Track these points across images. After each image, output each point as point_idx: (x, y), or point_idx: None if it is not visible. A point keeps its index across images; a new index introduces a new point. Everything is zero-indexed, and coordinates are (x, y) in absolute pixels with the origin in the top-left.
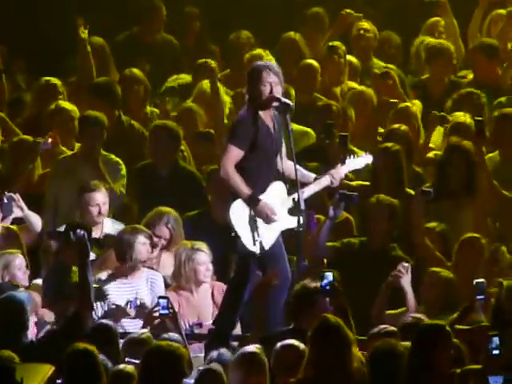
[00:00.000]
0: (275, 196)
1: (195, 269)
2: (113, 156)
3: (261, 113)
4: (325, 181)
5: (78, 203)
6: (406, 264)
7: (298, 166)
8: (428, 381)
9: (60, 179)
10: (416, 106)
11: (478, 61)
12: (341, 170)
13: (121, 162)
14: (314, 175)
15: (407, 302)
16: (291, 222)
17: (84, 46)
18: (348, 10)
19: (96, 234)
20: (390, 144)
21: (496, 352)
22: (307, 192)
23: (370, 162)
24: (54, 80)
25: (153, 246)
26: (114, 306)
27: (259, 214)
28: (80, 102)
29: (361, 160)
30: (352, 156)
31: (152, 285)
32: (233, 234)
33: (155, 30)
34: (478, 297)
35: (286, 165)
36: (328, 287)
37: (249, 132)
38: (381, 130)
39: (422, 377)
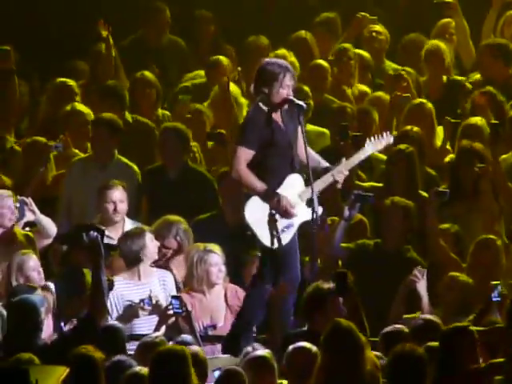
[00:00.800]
0: (292, 188)
1: (207, 270)
2: (127, 160)
3: (273, 111)
4: (330, 177)
5: (97, 203)
6: (422, 269)
7: (316, 156)
8: (457, 380)
9: (74, 181)
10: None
11: (486, 61)
12: (357, 157)
13: (135, 167)
14: (326, 164)
15: (422, 306)
16: (309, 214)
17: (108, 48)
18: (363, 13)
19: (117, 234)
20: (403, 146)
21: (497, 299)
22: (316, 187)
23: (391, 142)
24: (70, 81)
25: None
26: (129, 307)
27: (277, 208)
28: (90, 104)
29: (381, 142)
30: (372, 139)
31: (164, 284)
32: (249, 232)
33: (160, 32)
34: (494, 298)
35: (304, 154)
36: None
37: (257, 131)
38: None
39: (451, 376)
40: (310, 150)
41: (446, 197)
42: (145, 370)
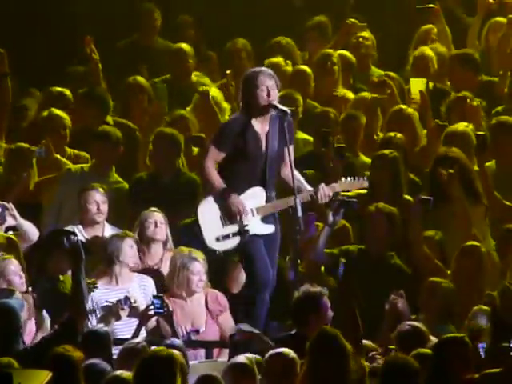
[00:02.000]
0: (252, 200)
1: (188, 278)
2: (120, 179)
3: (254, 119)
4: (286, 203)
5: (78, 205)
6: (397, 292)
7: (300, 177)
8: None
9: (68, 189)
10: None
11: (456, 71)
12: (332, 187)
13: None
14: (310, 189)
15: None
16: (262, 229)
17: (96, 66)
18: (353, 20)
19: (96, 237)
20: (387, 151)
21: None
22: (274, 207)
23: (365, 187)
24: (65, 91)
25: (140, 250)
26: (107, 309)
27: (229, 208)
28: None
29: (355, 183)
30: (348, 178)
31: (144, 289)
32: (196, 228)
33: (151, 35)
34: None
35: (285, 172)
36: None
37: (232, 135)
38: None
39: None
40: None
41: (430, 204)
42: (126, 374)
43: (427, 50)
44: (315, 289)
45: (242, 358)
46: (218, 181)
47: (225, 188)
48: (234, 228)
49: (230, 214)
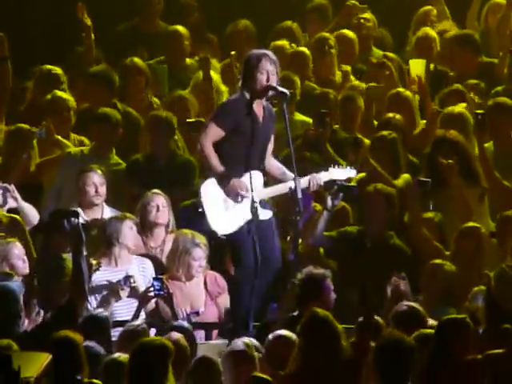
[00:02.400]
0: (249, 182)
1: (189, 263)
2: (121, 161)
3: (247, 98)
4: (286, 186)
5: (77, 187)
6: (398, 275)
7: (280, 165)
8: (451, 371)
9: (68, 172)
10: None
11: (456, 53)
12: (321, 177)
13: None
14: (291, 176)
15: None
16: (262, 215)
17: (89, 34)
18: (353, 1)
19: (95, 219)
20: (386, 132)
21: None
22: (274, 191)
23: (353, 176)
24: (56, 69)
25: (142, 233)
26: (107, 290)
27: (231, 191)
28: (78, 90)
29: (343, 172)
30: (336, 166)
31: (143, 270)
32: (200, 209)
33: (152, 19)
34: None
35: (269, 162)
36: None
37: (232, 115)
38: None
39: (444, 367)
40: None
41: (429, 186)
42: (123, 357)
43: (430, 31)
44: (318, 271)
45: (240, 344)
46: (217, 164)
47: (224, 171)
48: (237, 211)
49: (233, 197)
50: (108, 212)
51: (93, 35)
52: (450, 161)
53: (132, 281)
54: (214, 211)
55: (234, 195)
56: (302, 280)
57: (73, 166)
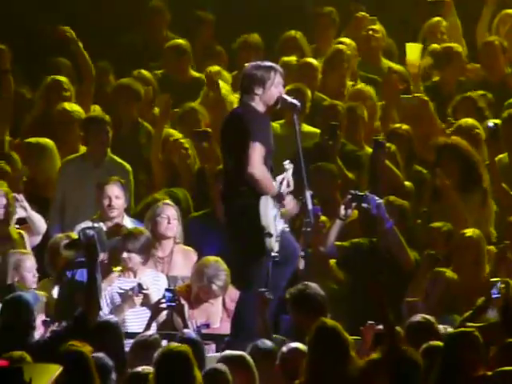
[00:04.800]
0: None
1: (211, 288)
2: (119, 159)
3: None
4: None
5: (96, 200)
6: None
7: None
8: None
9: (67, 180)
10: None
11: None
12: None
13: (127, 165)
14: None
15: None
16: (282, 225)
17: (77, 46)
18: (363, 13)
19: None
20: (388, 144)
21: (497, 296)
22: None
23: None
24: (60, 78)
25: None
26: (121, 298)
27: (287, 209)
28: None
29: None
30: None
31: (157, 281)
32: (266, 231)
33: (159, 30)
34: (494, 295)
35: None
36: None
37: (264, 128)
38: None
39: (452, 381)
40: None
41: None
42: (147, 370)
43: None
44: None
45: (268, 343)
46: (272, 185)
47: (279, 192)
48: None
49: (286, 214)
50: (128, 223)
51: (80, 44)
52: (446, 181)
53: (145, 287)
54: (273, 231)
55: (290, 213)
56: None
57: (71, 173)
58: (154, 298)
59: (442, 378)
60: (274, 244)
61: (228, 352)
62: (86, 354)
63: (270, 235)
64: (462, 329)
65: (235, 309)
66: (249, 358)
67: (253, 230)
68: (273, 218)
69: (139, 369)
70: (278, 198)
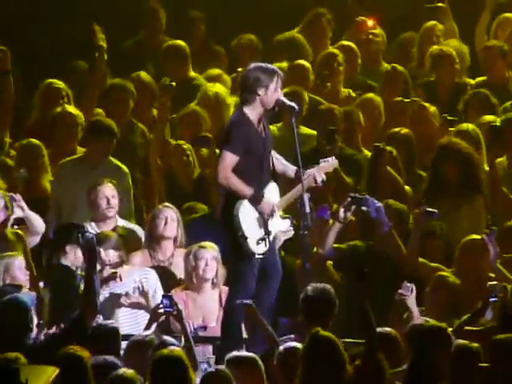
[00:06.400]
0: (272, 197)
1: (196, 264)
2: (117, 162)
3: (251, 116)
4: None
5: (88, 201)
6: (409, 284)
7: (284, 161)
8: (428, 380)
9: (63, 183)
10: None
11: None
12: (315, 171)
13: (125, 168)
14: (292, 167)
15: (413, 320)
16: (282, 225)
17: (102, 55)
18: (363, 18)
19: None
20: (389, 148)
21: (494, 300)
22: (289, 198)
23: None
24: (58, 82)
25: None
26: (110, 304)
27: (264, 211)
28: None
29: (329, 165)
30: (323, 161)
31: (146, 281)
32: (239, 233)
33: (157, 32)
34: (491, 299)
35: (277, 162)
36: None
37: (241, 137)
38: None
39: (422, 376)
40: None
41: (435, 217)
42: (129, 372)
43: (450, 48)
44: (326, 287)
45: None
46: (244, 188)
47: (253, 194)
48: (265, 230)
49: (265, 217)
50: (121, 224)
51: (105, 55)
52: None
53: (141, 288)
54: (253, 233)
55: (267, 215)
56: (316, 298)
57: (68, 174)
58: (150, 295)
59: (411, 376)
60: (253, 246)
61: (238, 353)
62: (82, 357)
63: (245, 238)
64: (431, 323)
65: (223, 314)
66: (258, 359)
67: (229, 233)
68: (254, 221)
69: (120, 371)
70: (256, 201)
